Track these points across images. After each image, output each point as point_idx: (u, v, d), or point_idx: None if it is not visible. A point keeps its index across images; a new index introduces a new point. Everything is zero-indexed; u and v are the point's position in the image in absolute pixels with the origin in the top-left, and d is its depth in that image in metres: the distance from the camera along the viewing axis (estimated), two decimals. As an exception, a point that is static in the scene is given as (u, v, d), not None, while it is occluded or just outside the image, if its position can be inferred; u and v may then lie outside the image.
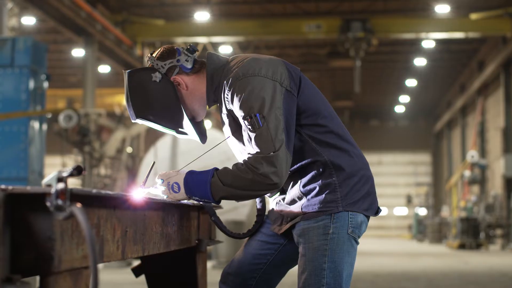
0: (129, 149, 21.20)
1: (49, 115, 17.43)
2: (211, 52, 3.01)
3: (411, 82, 34.13)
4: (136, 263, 3.42)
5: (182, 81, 2.91)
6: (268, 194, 2.93)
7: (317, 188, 2.82)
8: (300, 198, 2.86)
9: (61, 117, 16.05)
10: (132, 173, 20.60)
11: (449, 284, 10.86)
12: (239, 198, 2.77)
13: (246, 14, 24.43)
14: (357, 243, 2.88)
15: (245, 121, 2.72)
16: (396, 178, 43.85)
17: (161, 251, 2.54)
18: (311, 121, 2.83)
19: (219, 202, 2.83)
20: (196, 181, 2.76)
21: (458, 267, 14.97)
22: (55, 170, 1.66)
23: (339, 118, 2.97)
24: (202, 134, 3.04)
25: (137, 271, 3.41)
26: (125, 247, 2.10)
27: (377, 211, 2.95)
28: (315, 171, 2.83)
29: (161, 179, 2.83)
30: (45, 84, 14.40)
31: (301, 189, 2.85)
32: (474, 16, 22.53)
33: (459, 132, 36.80)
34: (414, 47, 28.50)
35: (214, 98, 2.92)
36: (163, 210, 2.59)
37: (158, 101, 2.89)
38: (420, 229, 35.63)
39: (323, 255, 2.78)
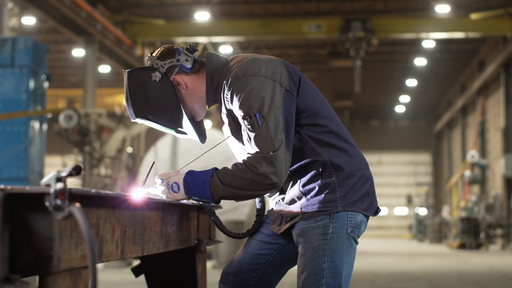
0: (129, 149, 21.20)
1: (50, 115, 17.44)
2: (211, 52, 3.01)
3: (411, 82, 34.13)
4: (136, 263, 3.42)
5: (181, 81, 2.91)
6: (268, 194, 2.93)
7: (317, 188, 2.82)
8: (299, 198, 2.87)
9: (61, 117, 16.06)
10: (132, 173, 20.61)
11: (449, 284, 10.86)
12: (238, 198, 2.77)
13: (246, 14, 24.43)
14: (357, 243, 2.88)
15: (245, 121, 2.73)
16: (396, 178, 43.84)
17: (160, 251, 2.54)
18: (311, 121, 2.83)
19: (219, 202, 2.84)
20: (195, 181, 2.77)
21: (458, 267, 14.97)
22: (55, 170, 1.66)
23: (338, 118, 2.97)
24: (201, 134, 3.04)
25: (136, 271, 3.41)
26: (124, 247, 2.10)
27: (376, 211, 2.95)
28: (315, 171, 2.83)
29: (161, 179, 2.83)
30: (45, 84, 14.40)
31: (301, 189, 2.85)
32: (474, 16, 22.53)
33: (459, 132, 36.80)
34: (414, 47, 28.50)
35: (213, 98, 2.92)
36: (162, 210, 2.59)
37: (158, 100, 2.89)
38: (421, 229, 35.62)
39: (322, 255, 2.78)
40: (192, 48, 2.93)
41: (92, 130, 17.80)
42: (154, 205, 2.48)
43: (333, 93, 35.98)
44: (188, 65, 2.91)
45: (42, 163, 14.18)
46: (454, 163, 38.45)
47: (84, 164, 19.03)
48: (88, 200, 1.80)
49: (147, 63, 2.97)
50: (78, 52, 26.43)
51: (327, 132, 2.84)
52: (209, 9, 22.75)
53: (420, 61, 29.87)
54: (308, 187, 2.84)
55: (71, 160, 22.29)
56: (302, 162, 2.83)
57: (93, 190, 1.74)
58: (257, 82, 2.74)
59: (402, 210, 43.74)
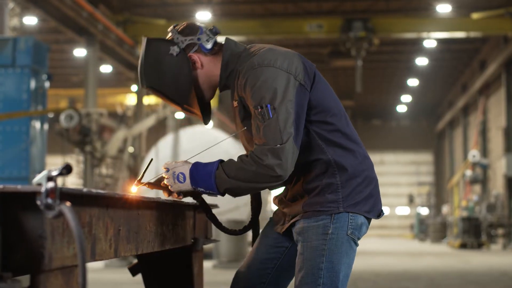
0: (130, 149, 21.22)
1: (52, 115, 17.47)
2: (229, 38, 3.00)
3: (413, 82, 34.13)
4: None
5: (198, 60, 2.91)
6: (272, 186, 2.90)
7: (319, 187, 2.81)
8: (302, 196, 2.85)
9: (62, 117, 16.09)
10: (134, 172, 20.63)
11: (450, 284, 10.87)
12: (243, 190, 2.76)
13: (247, 14, 24.45)
14: (357, 244, 2.87)
15: (256, 111, 2.71)
16: (398, 178, 43.84)
17: (155, 249, 2.55)
18: (320, 118, 2.82)
19: (224, 194, 2.81)
20: (201, 173, 2.76)
21: (459, 266, 14.98)
22: (46, 170, 1.67)
23: (348, 117, 2.95)
24: (207, 115, 3.04)
25: (134, 270, 3.43)
26: (118, 246, 2.11)
27: (380, 213, 2.94)
28: (319, 169, 2.81)
29: (167, 168, 2.83)
30: (47, 84, 14.44)
31: (304, 187, 2.84)
32: (475, 15, 22.52)
33: (461, 131, 36.79)
34: (416, 46, 28.50)
35: (226, 83, 2.91)
36: (157, 209, 2.60)
37: (171, 74, 2.88)
38: (422, 229, 35.64)
39: (321, 254, 2.77)
40: (215, 30, 2.94)
41: (94, 130, 17.83)
42: (149, 204, 2.49)
43: (335, 92, 35.86)
44: (208, 46, 2.91)
45: (43, 162, 14.22)
46: (455, 163, 38.45)
47: (85, 164, 19.07)
48: (80, 199, 1.81)
49: (168, 34, 2.97)
50: (80, 52, 26.45)
51: (335, 131, 2.83)
52: (210, 9, 22.77)
53: (421, 61, 29.88)
54: (311, 186, 2.82)
55: (73, 160, 22.32)
56: (307, 159, 2.82)
57: (85, 189, 1.76)
58: (272, 73, 2.73)
59: (404, 210, 43.75)
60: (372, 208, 2.88)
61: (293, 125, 2.69)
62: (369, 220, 2.91)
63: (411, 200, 40.22)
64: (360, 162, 2.87)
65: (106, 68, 28.96)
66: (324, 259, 2.77)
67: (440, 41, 26.60)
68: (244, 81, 2.76)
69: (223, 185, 2.74)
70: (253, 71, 2.75)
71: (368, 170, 2.89)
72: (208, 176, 2.75)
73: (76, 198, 1.76)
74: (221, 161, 2.78)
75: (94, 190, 1.82)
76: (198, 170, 2.77)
